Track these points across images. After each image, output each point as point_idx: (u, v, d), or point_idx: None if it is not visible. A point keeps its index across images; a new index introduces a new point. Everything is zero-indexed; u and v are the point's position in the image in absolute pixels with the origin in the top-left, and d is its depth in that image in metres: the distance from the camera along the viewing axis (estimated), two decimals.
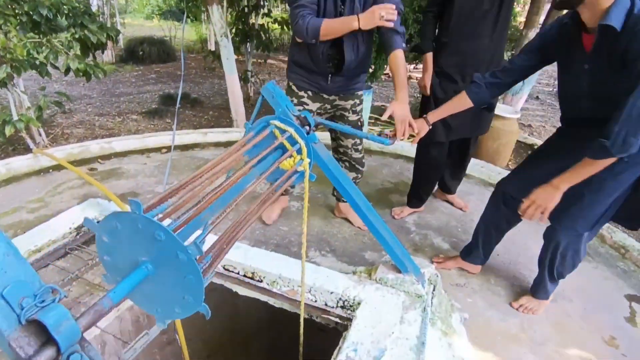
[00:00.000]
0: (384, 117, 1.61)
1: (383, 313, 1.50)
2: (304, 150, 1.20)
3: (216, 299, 2.35)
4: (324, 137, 2.24)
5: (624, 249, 2.16)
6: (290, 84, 1.97)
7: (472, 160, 3.20)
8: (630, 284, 1.97)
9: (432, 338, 1.46)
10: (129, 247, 0.71)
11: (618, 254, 2.18)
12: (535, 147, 4.49)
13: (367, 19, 1.64)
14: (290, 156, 1.21)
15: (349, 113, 2.00)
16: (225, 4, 3.83)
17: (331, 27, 1.66)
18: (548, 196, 1.36)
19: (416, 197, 2.42)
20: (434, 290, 1.65)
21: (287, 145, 1.22)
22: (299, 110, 1.71)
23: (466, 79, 2.02)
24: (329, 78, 1.85)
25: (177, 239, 0.67)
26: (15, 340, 0.53)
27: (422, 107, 2.27)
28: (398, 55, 1.70)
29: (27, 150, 3.48)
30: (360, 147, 2.07)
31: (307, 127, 1.34)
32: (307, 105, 1.93)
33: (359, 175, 2.16)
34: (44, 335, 0.55)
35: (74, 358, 0.57)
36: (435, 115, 1.69)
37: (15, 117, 3.15)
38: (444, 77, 2.08)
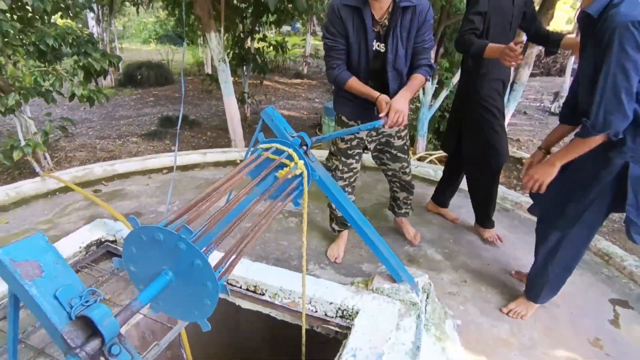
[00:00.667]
0: (382, 111, 1.69)
1: (380, 321, 1.60)
2: (302, 166, 1.31)
3: (219, 315, 2.41)
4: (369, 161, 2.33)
5: (607, 256, 2.27)
6: (340, 115, 2.06)
7: None
8: (614, 289, 2.07)
9: (427, 343, 1.55)
10: (153, 257, 0.82)
11: (602, 261, 2.29)
12: (523, 160, 4.66)
13: (381, 106, 1.71)
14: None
15: (394, 139, 2.06)
16: (222, 30, 4.02)
17: (355, 89, 1.82)
18: (545, 171, 1.55)
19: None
20: (427, 298, 1.75)
21: (287, 162, 1.34)
22: (350, 139, 1.96)
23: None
24: (375, 110, 1.82)
25: (197, 248, 0.78)
26: (67, 333, 0.63)
27: (448, 128, 2.50)
28: (419, 77, 1.82)
29: (32, 173, 3.59)
30: (407, 170, 2.18)
31: (305, 147, 1.47)
32: (357, 133, 2.00)
33: (410, 196, 2.30)
34: (89, 329, 0.65)
35: (114, 349, 0.67)
36: (548, 143, 1.83)
37: (22, 142, 3.27)
38: (481, 106, 2.18)
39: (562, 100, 7.78)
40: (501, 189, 3.05)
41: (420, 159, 4.42)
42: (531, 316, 1.83)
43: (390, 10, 1.75)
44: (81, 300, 0.66)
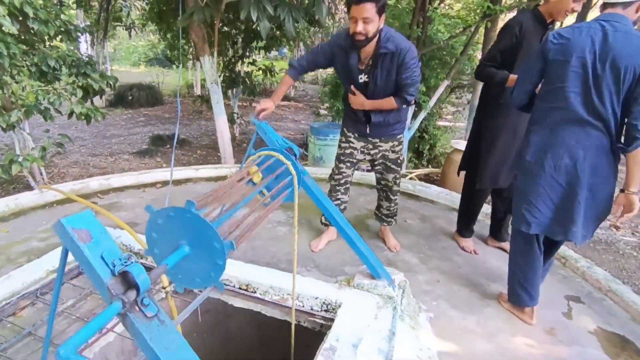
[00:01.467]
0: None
1: (360, 312, 1.79)
2: (291, 167, 1.53)
3: (210, 322, 2.56)
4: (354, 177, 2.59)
5: (564, 258, 2.53)
6: (343, 127, 2.45)
7: (438, 189, 3.61)
8: (569, 287, 2.31)
9: (402, 331, 1.74)
10: (170, 235, 1.02)
11: (559, 263, 2.54)
12: None
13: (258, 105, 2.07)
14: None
15: (389, 152, 2.40)
16: (215, 54, 4.29)
17: (280, 83, 2.25)
18: (633, 201, 1.65)
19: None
20: (403, 293, 1.95)
21: (283, 159, 1.55)
22: (345, 147, 2.37)
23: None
24: (367, 127, 2.31)
25: (199, 215, 0.97)
26: (111, 285, 0.82)
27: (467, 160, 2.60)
28: (389, 99, 2.19)
29: (27, 188, 3.70)
30: (398, 182, 2.49)
31: (294, 156, 1.70)
32: (353, 143, 2.40)
33: (391, 205, 2.57)
34: (127, 284, 0.84)
35: (146, 301, 0.86)
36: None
37: (20, 158, 3.40)
38: (497, 134, 2.34)
39: None
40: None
41: (402, 176, 4.69)
42: (494, 308, 2.05)
43: (373, 53, 2.09)
44: (121, 261, 0.85)
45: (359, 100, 2.24)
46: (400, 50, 2.04)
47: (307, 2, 2.93)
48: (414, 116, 4.76)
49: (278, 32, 5.35)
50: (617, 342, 1.93)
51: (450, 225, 2.98)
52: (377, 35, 2.02)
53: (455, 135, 5.68)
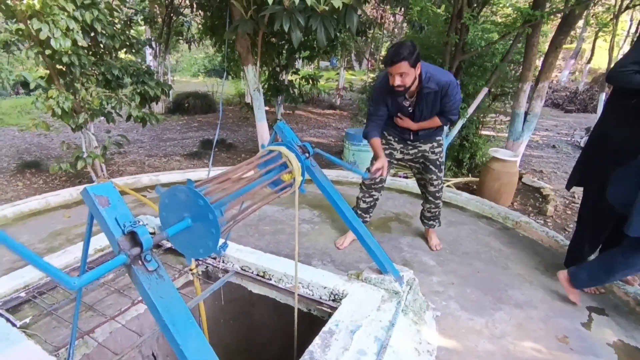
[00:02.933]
0: (372, 168, 2.21)
1: (364, 303, 1.86)
2: (299, 167, 1.67)
3: (236, 310, 2.75)
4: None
5: None
6: (384, 132, 2.54)
7: (469, 196, 3.56)
8: (594, 298, 2.20)
9: (403, 324, 1.79)
10: (180, 208, 1.19)
11: None
12: (542, 190, 4.76)
13: (374, 164, 2.25)
14: (290, 172, 1.68)
15: (428, 153, 2.50)
16: (258, 64, 4.58)
17: (372, 145, 2.37)
18: None
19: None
20: (410, 289, 2.00)
21: (288, 162, 1.70)
22: (385, 148, 2.47)
23: None
24: (411, 136, 2.46)
25: (209, 203, 1.14)
26: (121, 241, 1.01)
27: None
28: (435, 118, 2.34)
29: (90, 182, 4.19)
30: (436, 183, 2.55)
31: (307, 154, 1.83)
32: (393, 145, 2.53)
33: (432, 207, 2.64)
34: (133, 242, 1.02)
35: (148, 257, 1.03)
36: None
37: (85, 155, 3.88)
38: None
39: None
40: (504, 210, 3.24)
41: None
42: (506, 313, 2.02)
43: (417, 92, 2.25)
44: (131, 223, 1.04)
45: (406, 124, 2.39)
46: (442, 87, 2.20)
47: (339, 12, 3.08)
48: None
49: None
50: (639, 356, 1.82)
51: (476, 232, 2.95)
52: (418, 78, 2.18)
53: (499, 145, 5.51)
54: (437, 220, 2.70)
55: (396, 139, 2.52)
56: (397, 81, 2.11)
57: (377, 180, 2.58)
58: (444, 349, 1.76)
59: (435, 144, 2.48)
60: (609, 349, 1.82)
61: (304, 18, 3.02)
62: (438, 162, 2.51)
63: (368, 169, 2.21)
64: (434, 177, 2.53)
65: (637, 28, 10.48)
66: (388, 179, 3.97)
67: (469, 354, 1.73)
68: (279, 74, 6.22)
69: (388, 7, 8.18)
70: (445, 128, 4.73)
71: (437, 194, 2.58)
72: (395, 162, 2.60)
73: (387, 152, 2.53)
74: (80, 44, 3.40)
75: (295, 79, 6.47)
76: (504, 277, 2.37)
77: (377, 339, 1.65)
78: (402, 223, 3.06)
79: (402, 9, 6.02)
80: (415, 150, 2.51)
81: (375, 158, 2.38)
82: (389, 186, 3.89)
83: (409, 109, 2.35)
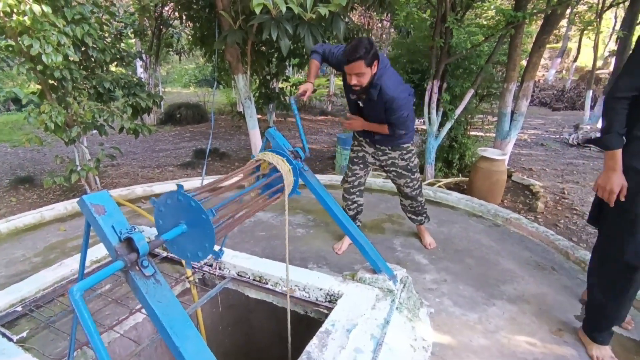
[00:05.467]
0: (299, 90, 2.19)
1: (359, 302, 1.90)
2: (287, 170, 1.71)
3: (234, 316, 2.77)
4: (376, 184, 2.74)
5: (584, 263, 2.46)
6: (355, 133, 2.62)
7: (459, 196, 3.61)
8: (584, 292, 2.25)
9: (398, 321, 1.83)
10: (174, 215, 1.23)
11: (579, 268, 2.47)
12: (532, 187, 4.83)
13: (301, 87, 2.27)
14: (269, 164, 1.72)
15: (397, 160, 2.52)
16: (249, 72, 4.64)
17: (309, 66, 2.34)
18: None
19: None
20: (404, 287, 2.04)
21: (281, 167, 1.74)
22: (358, 150, 2.54)
23: None
24: (374, 138, 2.49)
25: (201, 205, 1.18)
26: (118, 248, 1.04)
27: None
28: (383, 125, 2.32)
29: (84, 194, 4.19)
30: (411, 185, 2.58)
31: (299, 159, 1.88)
32: (365, 147, 2.58)
33: (414, 203, 2.66)
34: (130, 248, 1.05)
35: (145, 263, 1.06)
36: None
37: (79, 168, 3.89)
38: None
39: (581, 132, 7.86)
40: (494, 207, 3.30)
41: (430, 184, 4.70)
42: (499, 308, 2.06)
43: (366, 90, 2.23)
44: (127, 230, 1.07)
45: (354, 124, 2.43)
46: (385, 100, 2.19)
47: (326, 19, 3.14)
48: (441, 125, 4.79)
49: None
50: (632, 347, 1.87)
51: (467, 230, 3.00)
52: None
53: (487, 145, 5.59)
54: (423, 216, 2.72)
55: (367, 140, 2.56)
56: (354, 81, 2.10)
57: (356, 183, 2.62)
58: (438, 344, 1.79)
59: (404, 152, 2.50)
60: None
61: (291, 26, 3.08)
62: (409, 167, 2.53)
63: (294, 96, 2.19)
64: (408, 181, 2.56)
65: (621, 25, 10.70)
66: (380, 181, 4.02)
67: (464, 349, 1.77)
68: (270, 82, 6.28)
69: (375, 13, 8.30)
70: (434, 130, 4.81)
71: (412, 193, 2.60)
72: (368, 164, 2.62)
73: (361, 154, 2.59)
74: (71, 58, 3.43)
75: (286, 87, 6.54)
76: (496, 272, 2.42)
77: (372, 336, 1.68)
78: (394, 224, 3.10)
79: (389, 15, 6.10)
80: (385, 157, 2.54)
81: (304, 82, 2.29)
82: (382, 188, 3.95)
83: (359, 104, 2.35)
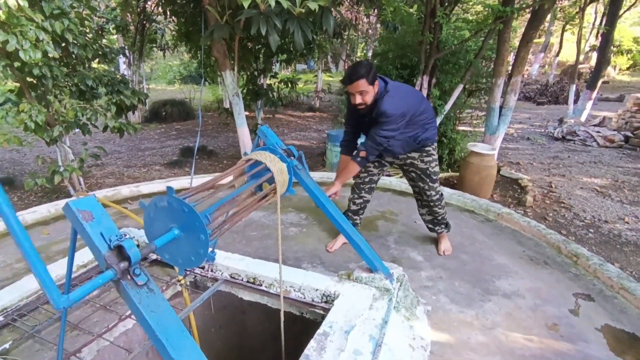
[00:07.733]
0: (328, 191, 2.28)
1: (356, 302, 1.87)
2: (279, 168, 1.66)
3: (227, 318, 2.72)
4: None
5: (576, 257, 2.48)
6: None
7: (451, 191, 3.61)
8: (579, 285, 2.27)
9: (396, 321, 1.80)
10: (165, 219, 1.17)
11: (571, 262, 2.49)
12: (520, 181, 4.88)
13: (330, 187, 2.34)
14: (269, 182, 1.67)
15: (417, 161, 2.47)
16: (236, 69, 4.55)
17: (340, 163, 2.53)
18: None
19: None
20: (400, 285, 2.01)
21: (273, 167, 1.69)
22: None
23: None
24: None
25: (194, 210, 1.13)
26: (107, 257, 0.98)
27: None
28: (350, 162, 2.33)
29: (67, 196, 4.06)
30: (429, 192, 2.51)
31: (293, 157, 1.83)
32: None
33: (430, 213, 2.62)
34: (121, 256, 1.00)
35: (137, 271, 1.01)
36: None
37: (62, 168, 3.76)
38: None
39: (565, 126, 7.99)
40: (485, 202, 3.31)
41: None
42: (495, 304, 2.06)
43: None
44: (117, 237, 1.01)
45: (335, 189, 2.39)
46: (379, 112, 2.19)
47: (315, 14, 3.08)
48: None
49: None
50: (626, 339, 1.89)
51: (460, 225, 3.00)
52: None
53: (476, 140, 5.63)
54: (441, 226, 2.63)
55: None
56: (358, 99, 2.15)
57: (367, 180, 2.59)
58: (437, 343, 1.78)
59: (424, 154, 2.44)
60: (597, 334, 1.88)
61: (280, 21, 3.01)
62: (429, 172, 2.47)
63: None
64: (427, 187, 2.50)
65: (602, 20, 10.89)
66: None
67: (463, 347, 1.76)
68: (257, 78, 6.19)
69: (362, 8, 8.25)
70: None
71: (431, 204, 2.55)
72: (384, 162, 2.58)
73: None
74: (51, 55, 3.29)
75: (274, 83, 6.45)
76: (490, 268, 2.42)
77: (371, 337, 1.66)
78: (388, 221, 3.08)
79: (376, 10, 6.07)
80: (405, 156, 2.49)
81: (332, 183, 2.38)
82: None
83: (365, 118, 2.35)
